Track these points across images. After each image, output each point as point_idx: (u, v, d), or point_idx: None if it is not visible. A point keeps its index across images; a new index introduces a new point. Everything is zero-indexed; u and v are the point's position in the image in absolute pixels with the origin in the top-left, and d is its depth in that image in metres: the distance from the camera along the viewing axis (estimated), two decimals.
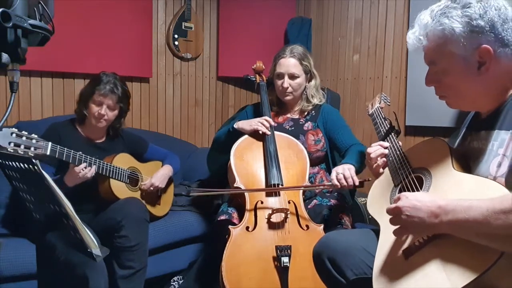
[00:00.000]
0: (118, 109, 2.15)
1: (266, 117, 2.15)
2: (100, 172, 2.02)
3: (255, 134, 2.12)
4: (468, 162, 1.19)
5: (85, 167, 1.93)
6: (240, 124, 2.16)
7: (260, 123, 2.10)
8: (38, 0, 1.01)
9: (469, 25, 1.08)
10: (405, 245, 1.13)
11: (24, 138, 1.63)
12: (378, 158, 1.47)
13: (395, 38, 3.09)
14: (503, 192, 0.98)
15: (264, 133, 2.10)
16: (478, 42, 1.08)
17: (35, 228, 1.89)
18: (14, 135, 1.58)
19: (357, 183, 1.84)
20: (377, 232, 1.32)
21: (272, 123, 2.14)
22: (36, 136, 1.69)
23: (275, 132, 2.14)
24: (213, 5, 3.44)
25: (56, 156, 1.81)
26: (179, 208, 2.54)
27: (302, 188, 2.03)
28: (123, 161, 2.18)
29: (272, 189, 1.97)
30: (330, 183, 1.91)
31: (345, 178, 1.83)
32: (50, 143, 1.77)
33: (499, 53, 1.08)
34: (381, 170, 1.46)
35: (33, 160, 1.21)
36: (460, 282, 0.95)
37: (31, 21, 0.97)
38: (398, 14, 3.07)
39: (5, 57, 0.95)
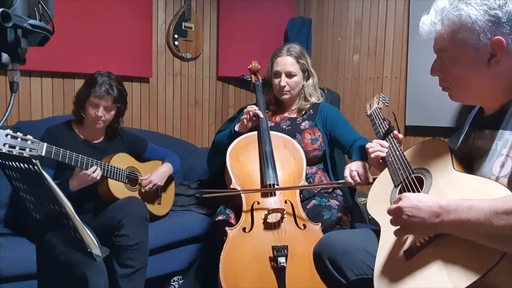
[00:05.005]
0: (115, 109, 2.13)
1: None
2: None
3: (253, 134, 2.13)
4: (471, 161, 1.18)
5: (95, 170, 1.93)
6: (237, 126, 2.18)
7: (246, 112, 2.12)
8: (38, 0, 1.01)
9: (486, 14, 1.05)
10: (406, 246, 1.13)
11: (19, 139, 1.62)
12: (372, 155, 1.48)
13: (395, 38, 3.09)
14: (504, 192, 0.98)
15: (257, 116, 2.10)
16: (493, 33, 1.05)
17: (35, 228, 1.89)
18: (9, 136, 1.58)
19: (370, 180, 1.81)
20: (377, 232, 1.31)
21: (260, 113, 2.13)
22: (31, 137, 1.68)
23: (271, 132, 2.13)
24: (213, 5, 3.44)
25: (52, 157, 1.79)
26: (179, 208, 2.54)
27: (313, 186, 2.03)
28: (122, 161, 2.17)
29: (277, 189, 1.96)
30: (342, 181, 1.89)
31: (359, 175, 1.82)
32: (45, 144, 1.76)
33: None
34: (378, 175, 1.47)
35: (33, 160, 1.20)
36: (462, 283, 0.94)
37: (31, 21, 0.97)
38: (398, 14, 3.07)
39: (5, 57, 0.95)
